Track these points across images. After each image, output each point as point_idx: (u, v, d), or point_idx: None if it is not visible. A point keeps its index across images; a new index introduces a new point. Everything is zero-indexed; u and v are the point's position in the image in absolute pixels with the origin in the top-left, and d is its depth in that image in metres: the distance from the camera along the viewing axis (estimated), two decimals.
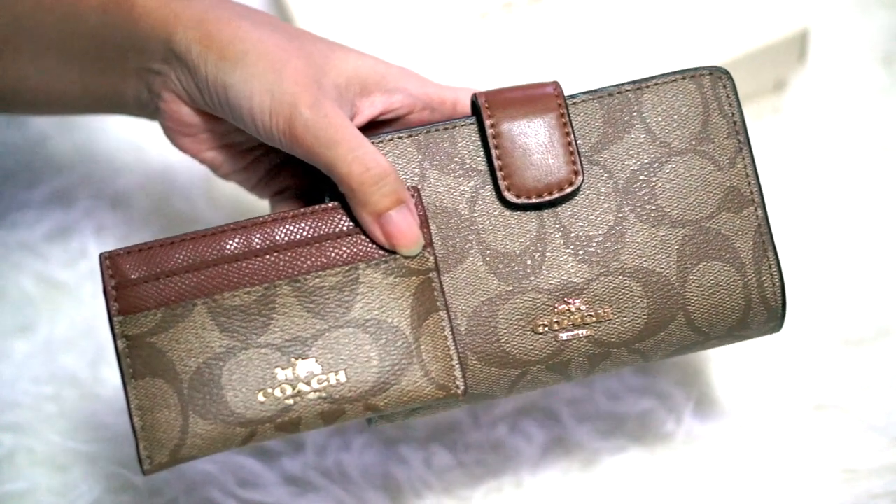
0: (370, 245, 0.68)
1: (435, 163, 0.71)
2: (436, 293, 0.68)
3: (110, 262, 0.66)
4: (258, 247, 0.67)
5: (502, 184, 0.70)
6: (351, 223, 0.68)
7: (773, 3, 0.92)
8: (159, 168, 0.92)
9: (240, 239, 0.67)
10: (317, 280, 0.67)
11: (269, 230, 0.67)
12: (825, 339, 0.87)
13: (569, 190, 0.70)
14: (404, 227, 0.67)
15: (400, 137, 0.70)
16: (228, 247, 0.67)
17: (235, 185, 0.76)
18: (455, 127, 0.71)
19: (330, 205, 0.68)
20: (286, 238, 0.67)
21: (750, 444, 0.84)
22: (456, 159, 0.71)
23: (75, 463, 0.83)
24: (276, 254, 0.67)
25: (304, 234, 0.67)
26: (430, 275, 0.68)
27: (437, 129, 0.71)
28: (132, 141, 0.93)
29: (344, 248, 0.67)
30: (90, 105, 0.75)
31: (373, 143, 0.69)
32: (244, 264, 0.67)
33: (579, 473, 0.84)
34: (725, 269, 0.71)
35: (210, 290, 0.66)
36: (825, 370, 0.86)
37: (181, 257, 0.67)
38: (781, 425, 0.85)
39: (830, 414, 0.84)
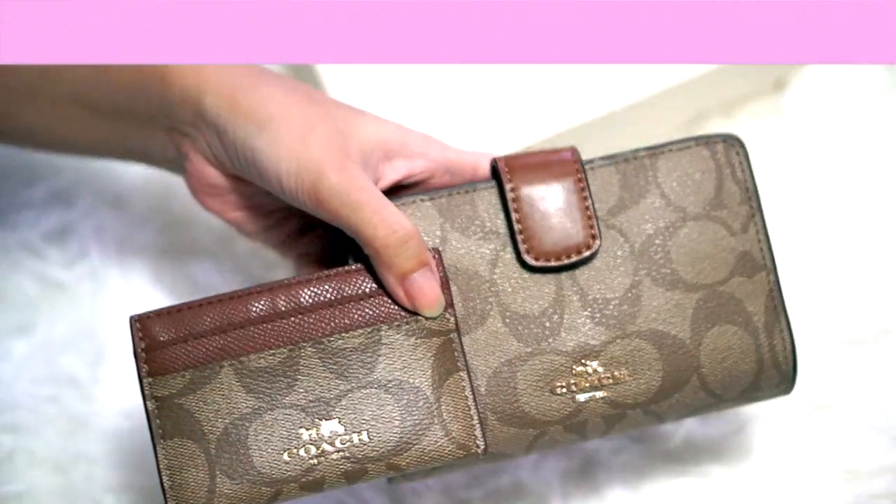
0: (392, 306, 0.69)
1: (456, 225, 0.72)
2: (456, 353, 0.69)
3: (140, 325, 0.68)
4: (283, 309, 0.68)
5: (522, 247, 0.72)
6: (374, 285, 0.69)
7: None
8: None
9: (266, 301, 0.68)
10: (340, 341, 0.69)
11: (294, 292, 0.69)
12: (826, 339, 0.88)
13: (587, 254, 0.72)
14: (427, 290, 0.69)
15: (422, 200, 0.72)
16: (255, 309, 0.68)
17: None
18: (475, 191, 0.73)
19: (353, 267, 0.70)
20: (311, 300, 0.69)
21: (750, 444, 0.86)
22: (476, 222, 0.73)
23: (75, 464, 0.83)
24: (300, 316, 0.68)
25: (328, 296, 0.69)
26: (451, 335, 0.69)
27: (459, 193, 0.73)
28: None
29: (367, 310, 0.69)
30: (113, 152, 0.77)
31: (396, 206, 0.71)
32: (269, 326, 0.68)
33: (578, 474, 0.85)
34: (739, 332, 0.73)
35: (237, 352, 0.68)
36: (825, 370, 0.87)
37: (209, 320, 0.68)
38: (781, 426, 0.86)
39: (831, 414, 0.85)
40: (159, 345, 0.68)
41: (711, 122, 0.95)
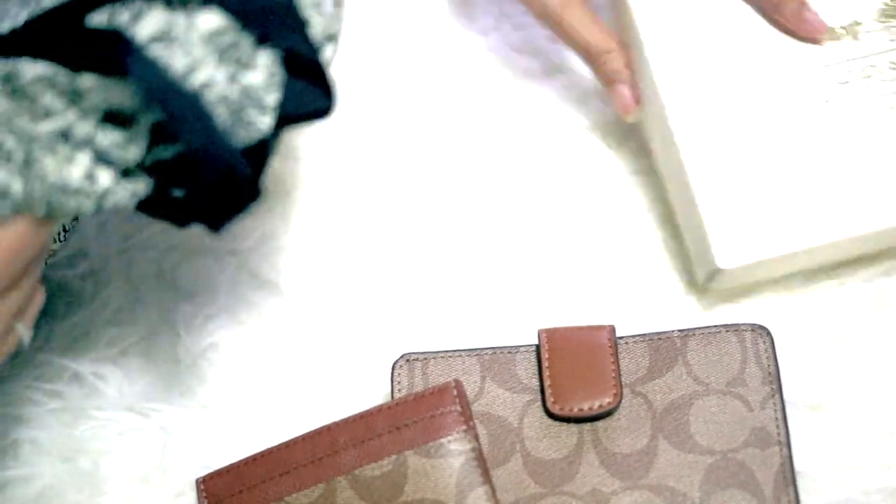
0: (415, 435, 0.78)
1: (496, 378, 0.81)
2: (480, 471, 0.76)
3: (205, 485, 0.81)
4: (321, 452, 0.79)
5: (549, 400, 0.79)
6: (404, 417, 0.78)
7: None
8: None
9: (306, 449, 0.79)
10: (369, 471, 0.78)
11: (332, 437, 0.79)
12: (820, 339, 0.86)
13: (608, 409, 0.79)
14: (624, 98, 0.89)
15: (468, 355, 0.82)
16: (296, 458, 0.79)
17: None
18: (518, 352, 0.82)
19: (386, 404, 0.79)
20: (345, 440, 0.79)
21: None
22: (514, 377, 0.81)
23: (79, 453, 0.86)
24: (335, 455, 0.78)
25: (360, 434, 0.79)
26: (471, 455, 0.77)
27: (502, 352, 0.82)
28: None
29: (393, 441, 0.78)
30: None
31: (440, 357, 0.82)
32: (309, 468, 0.79)
33: None
34: (747, 496, 0.76)
35: (282, 494, 0.79)
36: (820, 371, 0.84)
37: (259, 472, 0.80)
38: None
39: (825, 414, 0.83)
40: (220, 499, 0.80)
41: None
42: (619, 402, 0.79)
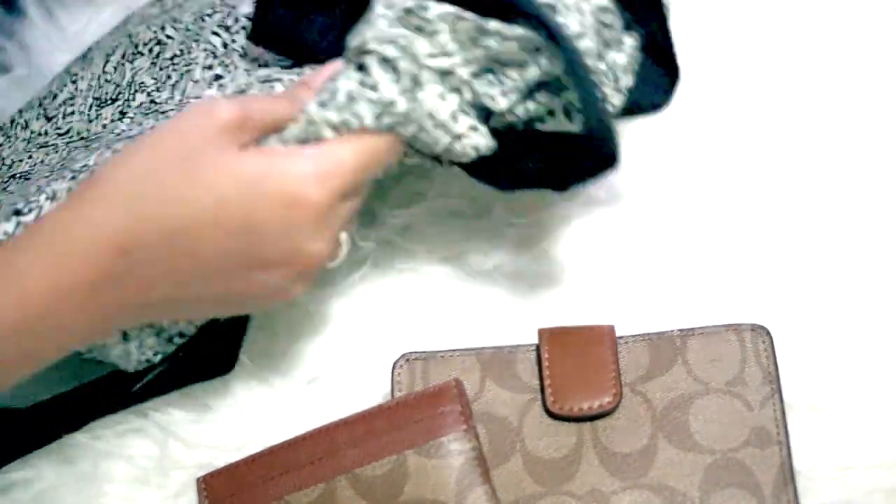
0: (415, 435, 0.78)
1: (495, 377, 0.81)
2: (480, 471, 0.76)
3: (206, 484, 0.81)
4: (321, 452, 0.79)
5: (549, 399, 0.80)
6: (404, 416, 0.78)
7: None
8: None
9: (307, 449, 0.79)
10: (370, 470, 0.78)
11: (331, 437, 0.79)
12: (820, 339, 0.85)
13: (608, 409, 0.79)
14: None
15: (469, 355, 0.82)
16: (296, 457, 0.79)
17: None
18: (518, 352, 0.82)
19: (386, 403, 0.79)
20: (345, 440, 0.79)
21: None
22: (514, 377, 0.81)
23: (79, 454, 0.85)
24: (336, 454, 0.78)
25: (360, 434, 0.79)
26: (471, 454, 0.77)
27: (502, 352, 0.82)
28: None
29: (393, 441, 0.78)
30: None
31: (440, 357, 0.82)
32: (309, 468, 0.79)
33: None
34: (746, 496, 0.76)
35: (282, 493, 0.79)
36: (820, 371, 0.84)
37: (259, 471, 0.80)
38: None
39: (824, 414, 0.82)
40: (221, 498, 0.80)
41: None
42: (619, 401, 0.79)
